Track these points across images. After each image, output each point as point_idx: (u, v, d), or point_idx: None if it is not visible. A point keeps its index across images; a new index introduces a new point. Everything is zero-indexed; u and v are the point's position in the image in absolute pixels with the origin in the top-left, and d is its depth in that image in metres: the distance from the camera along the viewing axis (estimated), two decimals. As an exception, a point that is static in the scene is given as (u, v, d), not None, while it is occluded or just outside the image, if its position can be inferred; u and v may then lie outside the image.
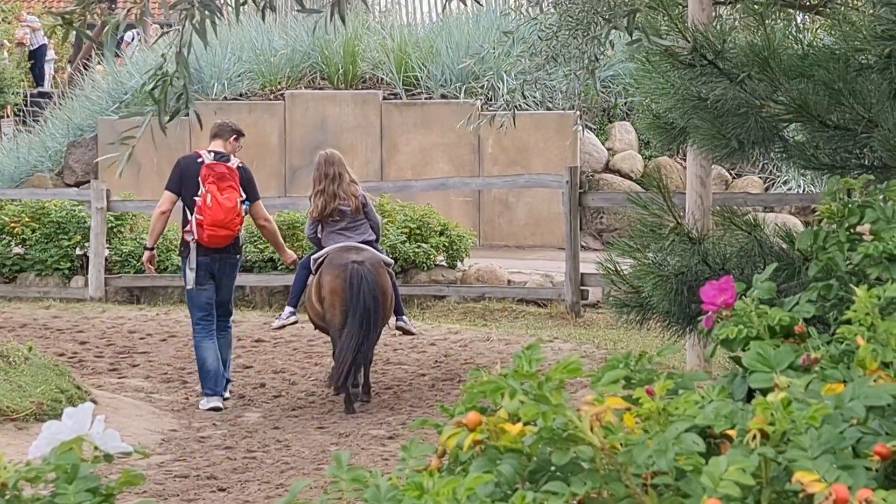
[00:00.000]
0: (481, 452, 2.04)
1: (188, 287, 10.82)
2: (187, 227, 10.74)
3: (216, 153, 10.89)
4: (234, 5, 6.29)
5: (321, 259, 10.83)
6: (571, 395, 2.13)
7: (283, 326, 11.55)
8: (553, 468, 2.02)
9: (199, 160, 10.86)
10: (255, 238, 15.82)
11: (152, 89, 5.98)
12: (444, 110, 19.01)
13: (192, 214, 10.71)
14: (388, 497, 1.94)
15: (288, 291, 13.45)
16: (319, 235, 11.03)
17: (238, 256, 11.09)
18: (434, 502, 1.81)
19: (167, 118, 6.08)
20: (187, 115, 6.32)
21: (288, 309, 11.35)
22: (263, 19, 7.78)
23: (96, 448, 2.23)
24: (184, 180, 10.81)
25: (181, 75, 6.05)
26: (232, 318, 11.26)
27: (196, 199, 10.69)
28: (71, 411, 2.24)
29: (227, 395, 10.98)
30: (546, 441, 1.98)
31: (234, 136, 11.03)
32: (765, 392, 2.14)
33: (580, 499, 1.96)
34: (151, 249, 11.21)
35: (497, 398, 2.08)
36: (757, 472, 1.92)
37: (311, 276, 10.99)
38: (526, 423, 2.04)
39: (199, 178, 10.73)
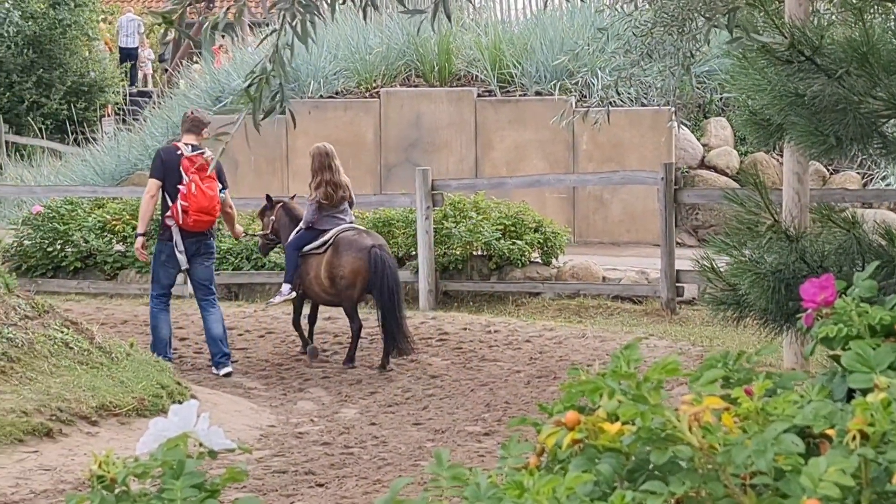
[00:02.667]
0: (580, 451, 2.05)
1: (176, 267, 11.96)
2: (168, 213, 11.79)
3: (193, 146, 11.89)
4: (330, 4, 6.33)
5: (329, 240, 12.24)
6: (668, 394, 2.14)
7: (283, 301, 12.67)
8: (651, 467, 2.03)
9: (179, 152, 11.85)
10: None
11: (248, 87, 6.04)
12: (538, 107, 18.96)
13: (173, 201, 11.74)
14: (488, 495, 1.96)
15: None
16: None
17: (212, 239, 12.26)
18: (534, 501, 1.82)
19: (262, 116, 6.14)
20: (283, 113, 6.38)
21: (286, 286, 12.45)
22: (365, 18, 7.83)
23: (201, 444, 2.27)
24: (166, 170, 11.81)
25: (277, 74, 6.11)
26: (215, 295, 12.25)
27: (180, 187, 11.70)
28: (177, 408, 2.27)
29: (230, 368, 11.99)
30: (645, 441, 1.99)
31: (205, 128, 12.04)
32: (864, 392, 2.13)
33: (678, 498, 1.97)
34: (144, 235, 12.14)
35: (595, 398, 2.09)
36: (857, 472, 1.91)
37: (307, 258, 12.31)
38: (624, 423, 2.05)
39: (181, 169, 11.72)
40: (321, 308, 12.95)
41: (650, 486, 1.93)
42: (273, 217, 13.04)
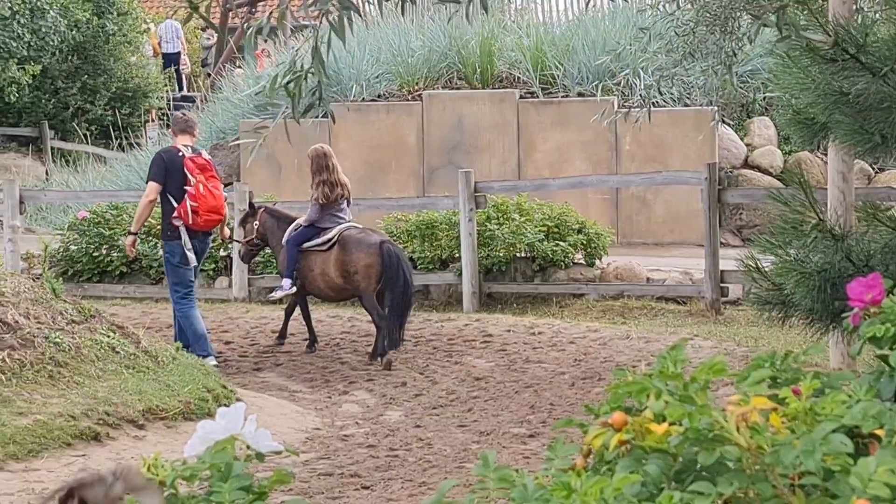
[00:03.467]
0: (627, 452, 2.05)
1: (188, 265, 12.15)
2: (174, 214, 12.03)
3: (191, 147, 12.26)
4: (377, 2, 6.34)
5: (334, 238, 12.74)
6: (714, 394, 2.13)
7: (284, 295, 13.06)
8: (698, 468, 2.02)
9: (180, 154, 12.12)
10: (394, 237, 15.93)
11: (287, 83, 6.06)
12: (580, 108, 18.93)
13: (178, 203, 11.98)
14: (535, 496, 1.95)
15: (427, 290, 15.57)
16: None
17: (211, 237, 12.73)
18: (582, 502, 1.82)
19: (301, 113, 6.16)
20: (324, 116, 6.40)
21: (287, 281, 12.87)
22: (403, 14, 7.84)
23: (248, 447, 2.27)
24: (169, 172, 12.06)
25: (316, 71, 6.12)
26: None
27: (188, 188, 11.99)
28: (224, 411, 2.28)
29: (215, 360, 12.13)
30: (692, 441, 1.98)
31: (196, 129, 12.61)
32: (913, 391, 2.12)
33: (726, 498, 1.96)
34: (136, 234, 12.63)
35: (642, 399, 2.08)
36: (906, 472, 1.90)
37: (308, 255, 12.82)
38: (671, 424, 2.04)
39: (186, 170, 12.00)
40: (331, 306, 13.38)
41: (698, 487, 1.93)
42: (257, 223, 13.47)
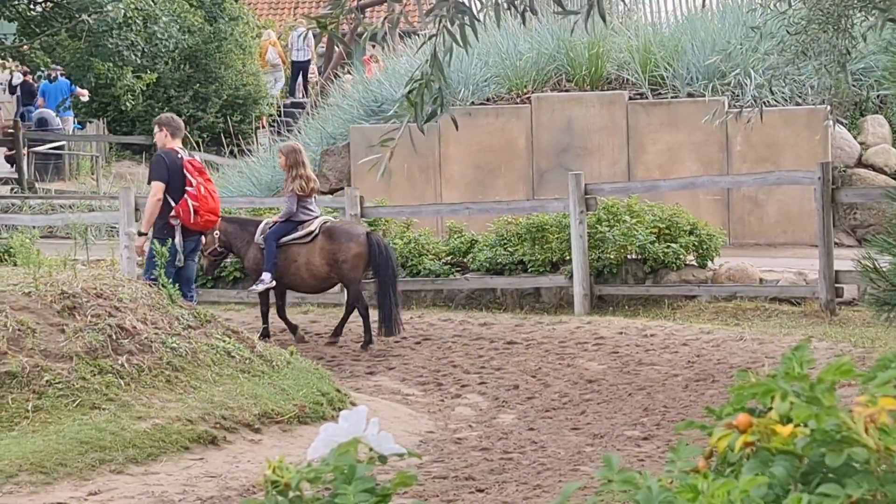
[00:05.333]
0: (752, 454, 2.03)
1: (176, 264, 12.52)
2: (172, 213, 12.56)
3: (187, 151, 13.06)
4: (493, 9, 6.35)
5: (315, 230, 13.51)
6: (836, 395, 2.10)
7: (267, 290, 13.64)
8: (825, 470, 2.00)
9: (179, 156, 12.74)
10: (504, 241, 15.94)
11: (409, 93, 6.10)
12: (690, 109, 18.79)
13: (177, 202, 12.52)
14: (660, 499, 1.94)
15: (538, 293, 15.83)
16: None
17: (202, 238, 13.18)
18: (708, 503, 1.81)
19: (424, 120, 6.19)
20: (447, 120, 6.41)
21: (267, 275, 13.49)
22: (524, 23, 7.85)
23: (371, 449, 2.29)
24: (171, 173, 12.62)
25: (436, 79, 6.15)
26: (195, 291, 13.17)
27: (189, 189, 12.58)
28: (346, 414, 2.29)
29: None
30: (819, 443, 1.96)
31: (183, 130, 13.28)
32: None
33: (854, 500, 1.94)
34: (146, 234, 12.91)
35: (767, 400, 2.06)
36: None
37: (288, 248, 13.54)
38: (797, 425, 2.02)
39: (185, 172, 12.61)
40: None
41: (826, 489, 1.91)
42: (217, 232, 13.83)
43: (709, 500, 1.82)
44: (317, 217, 13.78)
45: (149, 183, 13.09)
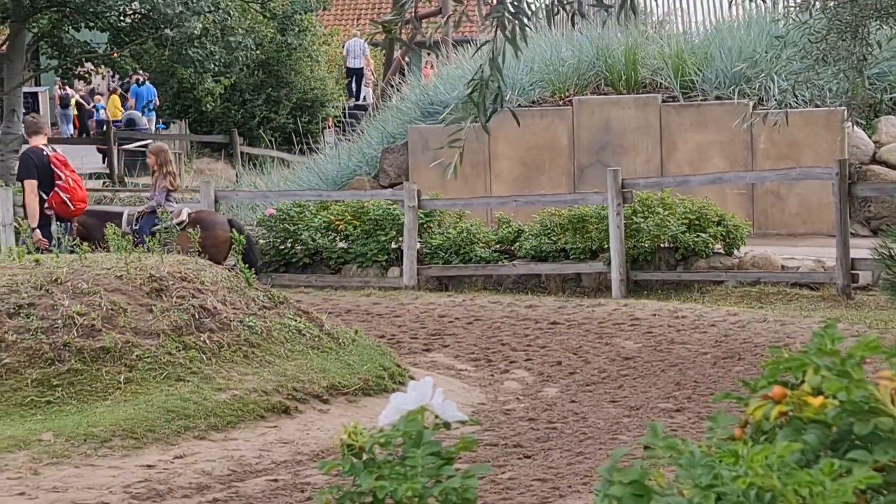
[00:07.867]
0: (786, 423, 2.02)
1: (56, 249, 12.79)
2: (46, 205, 13.00)
3: (50, 147, 13.36)
4: (546, 14, 6.34)
5: (185, 220, 13.92)
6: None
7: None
8: (853, 438, 1.98)
9: (45, 153, 13.09)
10: (548, 230, 15.91)
11: (471, 93, 6.09)
12: (718, 111, 18.72)
13: (49, 195, 12.90)
14: (701, 463, 1.94)
15: (579, 278, 15.80)
16: None
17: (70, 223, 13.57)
18: (748, 467, 1.80)
19: (486, 119, 6.19)
20: (492, 123, 6.40)
21: None
22: (573, 26, 7.83)
23: (436, 417, 2.29)
24: (39, 170, 12.96)
25: (495, 79, 6.14)
26: None
27: (59, 182, 12.96)
28: (415, 384, 2.30)
29: None
30: (848, 413, 1.94)
31: (46, 129, 13.78)
32: None
33: (879, 465, 1.92)
34: (35, 228, 13.02)
35: (800, 373, 2.05)
36: None
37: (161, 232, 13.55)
38: (827, 397, 2.00)
39: (52, 167, 12.94)
40: None
41: (855, 455, 1.89)
42: (75, 224, 13.90)
43: (748, 464, 1.81)
44: (182, 209, 14.23)
45: (19, 181, 13.50)
